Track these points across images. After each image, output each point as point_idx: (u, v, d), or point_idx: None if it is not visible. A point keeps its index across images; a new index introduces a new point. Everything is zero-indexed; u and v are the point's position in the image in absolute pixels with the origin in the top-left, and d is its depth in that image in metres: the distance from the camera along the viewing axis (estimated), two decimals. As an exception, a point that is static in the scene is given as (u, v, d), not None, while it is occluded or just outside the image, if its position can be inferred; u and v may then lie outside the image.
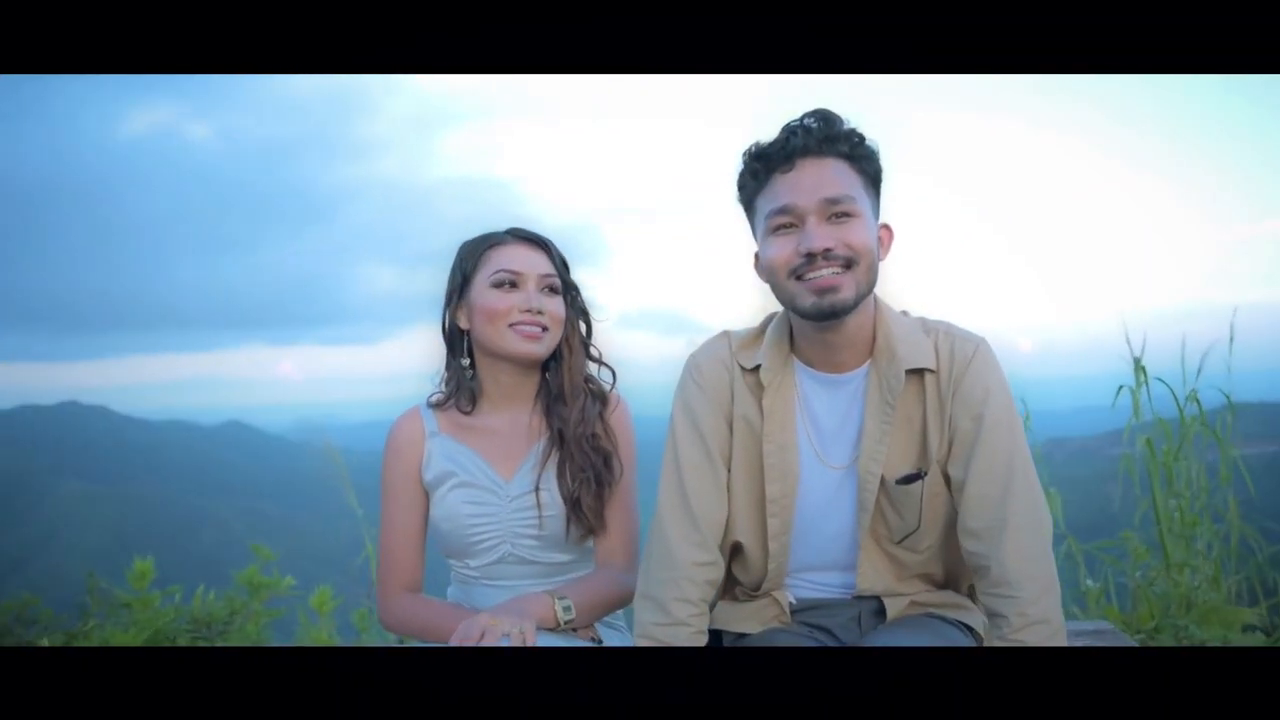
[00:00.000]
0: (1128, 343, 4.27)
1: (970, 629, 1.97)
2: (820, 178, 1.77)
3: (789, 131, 1.79)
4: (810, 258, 1.75)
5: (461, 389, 2.21)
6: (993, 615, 1.78)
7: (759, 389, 1.92)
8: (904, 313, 1.94)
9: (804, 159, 1.78)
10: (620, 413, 2.22)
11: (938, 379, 1.86)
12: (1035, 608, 1.72)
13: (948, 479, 1.87)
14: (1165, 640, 3.61)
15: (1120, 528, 4.24)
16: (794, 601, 1.99)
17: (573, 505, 2.09)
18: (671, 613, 1.86)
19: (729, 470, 1.95)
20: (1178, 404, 4.21)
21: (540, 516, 2.11)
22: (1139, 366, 4.27)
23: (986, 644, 1.83)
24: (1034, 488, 1.81)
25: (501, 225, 2.20)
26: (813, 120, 1.79)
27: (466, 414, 2.21)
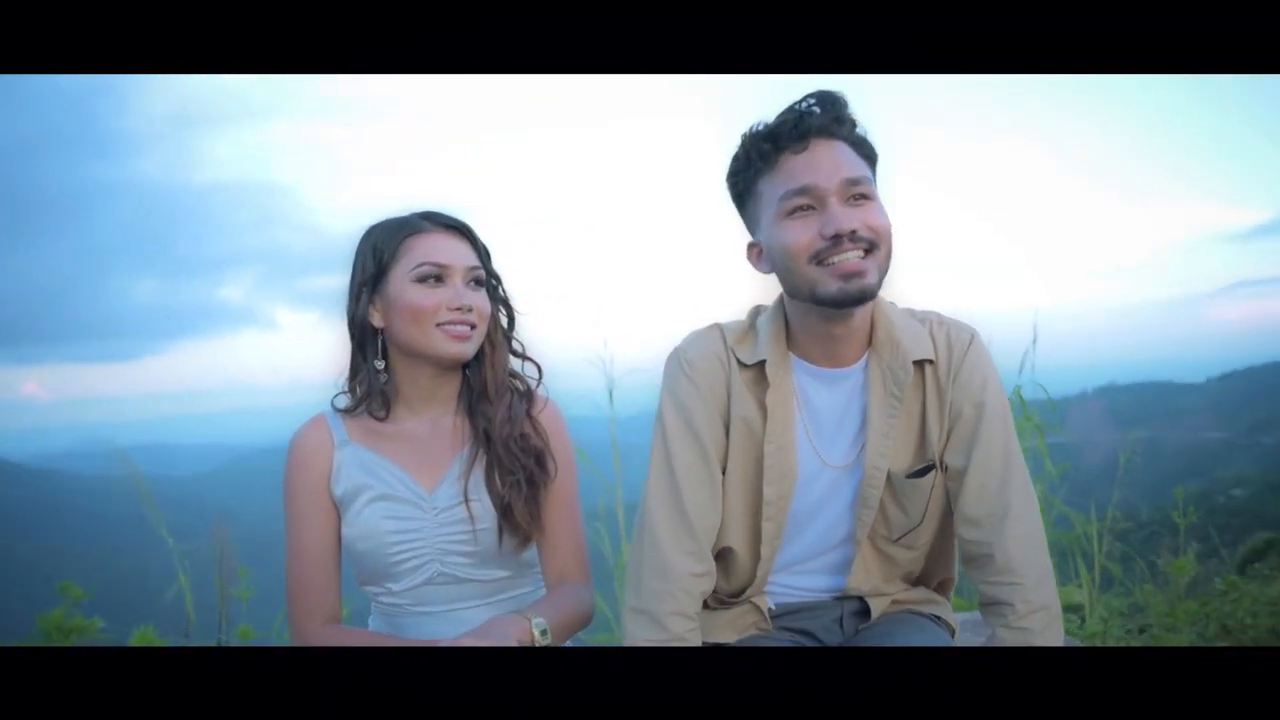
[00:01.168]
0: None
1: (946, 623, 1.99)
2: (836, 158, 1.71)
3: (800, 112, 1.72)
4: (836, 240, 1.67)
5: (374, 392, 2.00)
6: (994, 604, 1.77)
7: (759, 386, 1.84)
8: (891, 303, 1.90)
9: (817, 139, 1.71)
10: (551, 411, 2.08)
11: (936, 369, 1.83)
12: (1038, 593, 1.73)
13: (944, 468, 1.85)
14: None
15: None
16: (773, 607, 1.94)
17: (504, 512, 1.93)
18: (669, 628, 1.76)
19: (723, 472, 1.86)
20: (1020, 398, 4.46)
21: (474, 530, 1.94)
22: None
23: (989, 634, 1.80)
24: (1026, 473, 1.82)
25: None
26: (818, 102, 1.73)
27: (381, 420, 2.02)
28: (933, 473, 1.84)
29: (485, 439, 1.98)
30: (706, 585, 1.84)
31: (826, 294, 1.70)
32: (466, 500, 1.94)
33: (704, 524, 1.82)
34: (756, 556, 1.89)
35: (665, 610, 1.77)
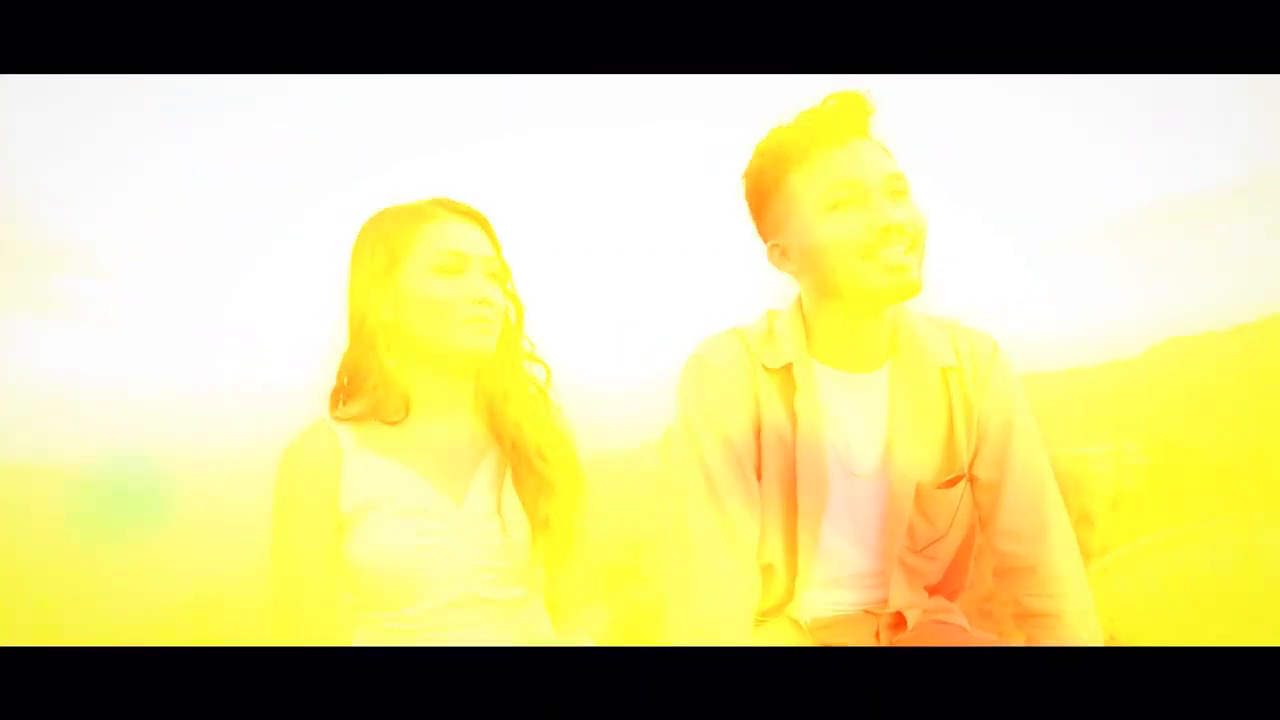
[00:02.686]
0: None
1: (964, 628, 1.93)
2: (875, 153, 1.66)
3: (835, 108, 1.66)
4: (885, 234, 1.60)
5: (391, 394, 1.79)
6: (1037, 616, 1.73)
7: (787, 390, 1.75)
8: (909, 309, 1.83)
9: (854, 136, 1.66)
10: (562, 416, 1.93)
11: (961, 375, 1.78)
12: (1080, 602, 1.71)
13: (972, 480, 1.81)
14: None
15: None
16: (809, 621, 1.84)
17: (543, 526, 1.77)
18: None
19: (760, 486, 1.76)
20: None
21: (508, 543, 1.77)
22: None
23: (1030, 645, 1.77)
24: (1054, 479, 1.78)
25: None
26: (851, 101, 1.66)
27: (394, 424, 1.80)
28: (962, 483, 1.80)
29: (513, 449, 1.82)
30: (756, 598, 1.75)
31: (873, 290, 1.64)
32: (500, 511, 1.78)
33: (749, 536, 1.73)
34: (791, 571, 1.80)
35: (725, 632, 1.67)
